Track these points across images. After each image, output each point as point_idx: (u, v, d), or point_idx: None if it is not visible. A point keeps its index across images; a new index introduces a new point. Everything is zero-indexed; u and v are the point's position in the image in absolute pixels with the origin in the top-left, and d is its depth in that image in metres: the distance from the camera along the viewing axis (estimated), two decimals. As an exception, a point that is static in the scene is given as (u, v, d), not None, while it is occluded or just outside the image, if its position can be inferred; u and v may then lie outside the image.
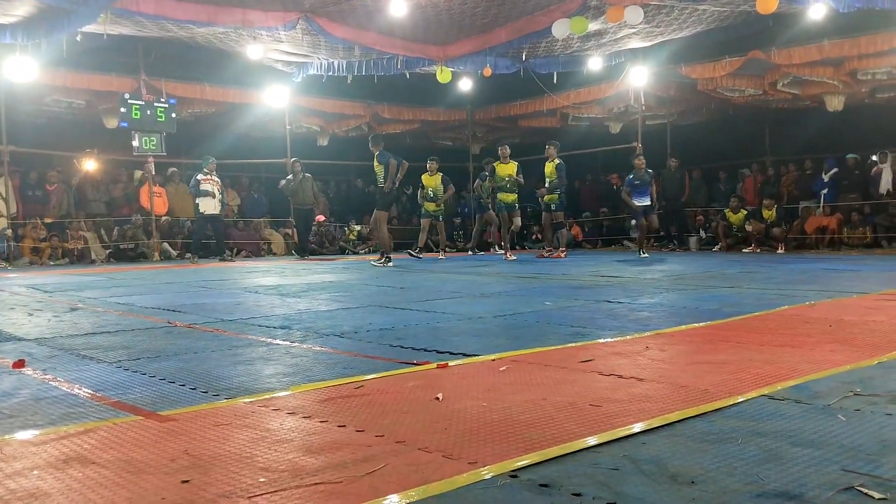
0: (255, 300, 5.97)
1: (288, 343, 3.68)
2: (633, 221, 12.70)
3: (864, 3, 9.81)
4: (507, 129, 17.66)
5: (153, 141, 13.31)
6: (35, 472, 1.77)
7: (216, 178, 12.75)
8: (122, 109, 12.83)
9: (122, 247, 13.62)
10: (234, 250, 14.17)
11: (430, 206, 12.55)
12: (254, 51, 12.66)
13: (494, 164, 12.01)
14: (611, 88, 14.38)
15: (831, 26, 11.17)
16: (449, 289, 6.66)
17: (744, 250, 13.01)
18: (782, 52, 11.75)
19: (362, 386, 2.65)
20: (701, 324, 4.08)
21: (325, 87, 14.92)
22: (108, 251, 13.46)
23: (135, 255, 13.61)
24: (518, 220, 12.04)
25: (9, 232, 12.31)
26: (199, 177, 12.50)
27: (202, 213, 12.60)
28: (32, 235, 12.71)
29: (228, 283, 7.85)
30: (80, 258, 12.96)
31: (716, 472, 1.68)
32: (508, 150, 11.87)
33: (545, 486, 1.61)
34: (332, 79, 14.18)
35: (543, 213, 12.45)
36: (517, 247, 12.98)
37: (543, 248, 12.55)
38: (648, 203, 11.82)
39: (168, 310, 5.23)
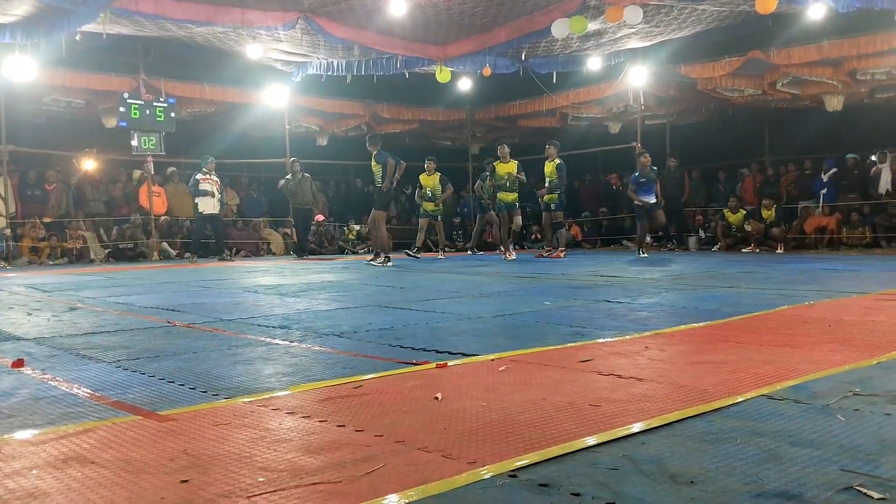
0: (255, 300, 5.97)
1: (287, 343, 3.68)
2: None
3: (864, 3, 9.82)
4: (507, 128, 17.66)
5: (152, 140, 13.31)
6: (34, 471, 1.77)
7: (215, 178, 12.74)
8: (122, 109, 12.83)
9: (121, 246, 13.61)
10: (234, 250, 14.17)
11: (429, 206, 12.55)
12: (253, 50, 12.66)
13: (494, 164, 12.02)
14: (610, 88, 14.38)
15: (830, 26, 11.18)
16: (448, 289, 6.67)
17: (743, 250, 13.01)
18: (782, 52, 11.76)
19: (361, 386, 2.65)
20: (700, 324, 4.08)
21: (325, 87, 14.92)
22: (107, 251, 13.46)
23: (134, 255, 13.61)
24: (518, 220, 12.03)
25: (8, 231, 12.30)
26: (199, 176, 12.49)
27: (201, 212, 12.60)
28: (31, 235, 12.70)
29: (227, 283, 7.84)
30: (79, 258, 12.96)
31: (715, 471, 1.68)
32: (507, 150, 11.87)
33: (544, 485, 1.61)
34: (331, 78, 14.18)
35: (543, 212, 12.44)
36: (516, 247, 12.95)
37: (543, 248, 12.54)
38: (654, 200, 11.78)
39: (167, 309, 5.23)
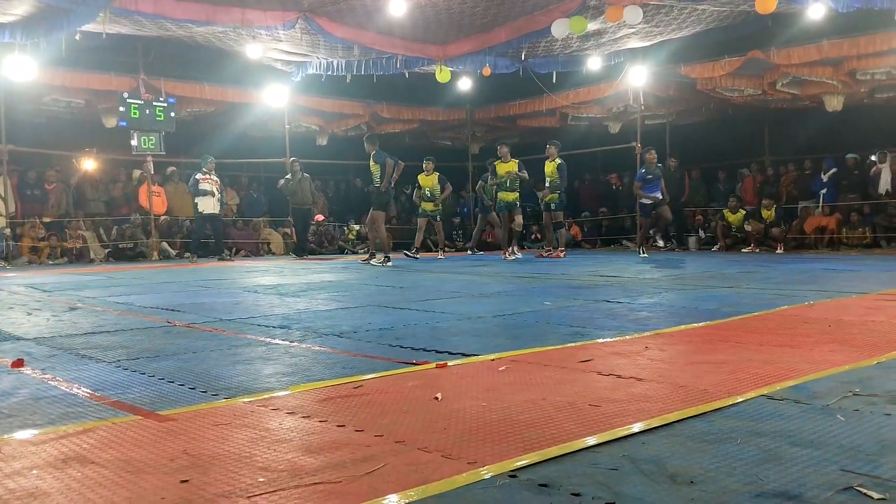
0: (254, 300, 5.97)
1: (287, 343, 3.68)
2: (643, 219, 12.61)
3: (863, 3, 9.82)
4: (507, 128, 17.66)
5: (152, 140, 13.30)
6: (34, 471, 1.77)
7: (215, 178, 12.74)
8: (121, 109, 12.83)
9: (120, 246, 13.61)
10: (233, 250, 14.17)
11: (428, 206, 12.54)
12: (253, 50, 12.66)
13: (495, 164, 12.00)
14: (610, 88, 14.38)
15: (830, 26, 11.18)
16: (448, 288, 6.67)
17: (743, 250, 13.01)
18: (781, 52, 11.76)
19: (361, 386, 2.65)
20: (700, 324, 4.08)
21: (325, 87, 14.92)
22: (106, 250, 13.45)
23: (134, 255, 13.60)
24: (519, 219, 11.98)
25: (7, 231, 12.30)
26: (198, 176, 12.49)
27: (201, 212, 12.60)
28: (31, 235, 12.70)
29: (227, 283, 7.84)
30: (79, 257, 12.95)
31: (715, 472, 1.68)
32: (506, 149, 11.84)
33: (544, 485, 1.61)
34: (331, 78, 14.18)
35: (543, 212, 12.43)
36: (521, 247, 12.96)
37: (543, 248, 12.54)
38: (660, 196, 11.75)
39: (167, 309, 5.23)
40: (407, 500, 1.54)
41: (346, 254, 15.27)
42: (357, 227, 16.29)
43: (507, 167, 11.69)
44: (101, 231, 13.79)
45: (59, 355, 3.43)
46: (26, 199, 13.27)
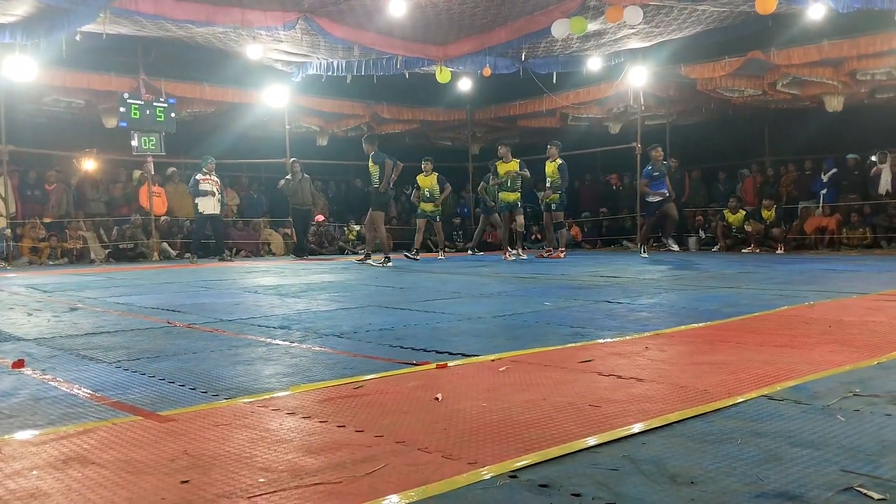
0: (255, 300, 5.97)
1: (287, 343, 3.68)
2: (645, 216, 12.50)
3: (864, 3, 9.82)
4: (507, 129, 17.66)
5: (152, 141, 13.31)
6: (34, 472, 1.77)
7: (215, 178, 12.75)
8: (122, 109, 12.83)
9: (121, 247, 13.62)
10: (234, 250, 14.17)
11: (428, 207, 12.51)
12: (253, 51, 12.66)
13: (496, 164, 11.99)
14: (610, 88, 14.39)
15: (830, 27, 11.18)
16: (448, 289, 6.67)
17: (743, 251, 13.01)
18: (782, 53, 11.76)
19: (362, 386, 2.65)
20: (700, 324, 4.08)
21: (325, 87, 14.93)
22: (107, 251, 13.46)
23: (134, 255, 13.61)
24: (521, 219, 11.93)
25: (8, 232, 12.30)
26: (198, 177, 12.50)
27: (201, 212, 12.60)
28: (31, 235, 12.70)
29: (228, 283, 7.84)
30: (80, 258, 12.96)
31: (715, 472, 1.68)
32: (505, 149, 11.81)
33: (545, 486, 1.61)
34: (331, 79, 14.18)
35: (544, 213, 12.42)
36: (524, 247, 12.94)
37: (543, 248, 12.53)
38: (667, 193, 11.63)
39: (167, 310, 5.23)
40: (407, 501, 1.54)
41: (347, 254, 15.26)
42: (357, 227, 16.30)
43: (509, 167, 11.68)
44: (102, 231, 13.79)
45: (59, 356, 3.43)
46: (27, 200, 13.28)
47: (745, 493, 1.55)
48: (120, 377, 2.92)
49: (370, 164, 10.62)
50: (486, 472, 1.69)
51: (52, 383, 2.82)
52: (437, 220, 12.85)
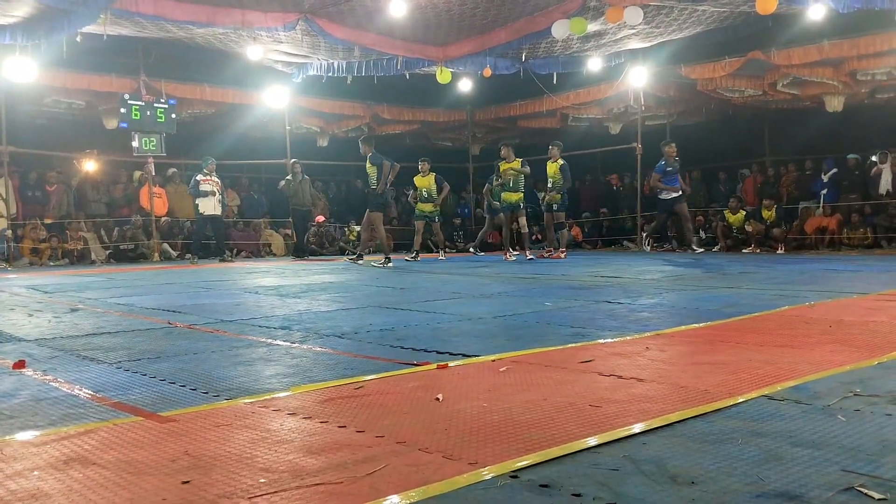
0: (255, 301, 5.97)
1: (288, 344, 3.68)
2: (645, 234, 12.38)
3: (864, 3, 9.82)
4: (507, 129, 17.66)
5: (153, 141, 13.31)
6: (35, 472, 1.77)
7: (216, 179, 12.75)
8: (122, 110, 12.83)
9: (121, 247, 13.62)
10: (234, 251, 14.18)
11: (426, 207, 12.45)
12: (253, 51, 12.67)
13: (499, 165, 11.96)
14: (610, 89, 14.39)
15: (831, 27, 11.18)
16: (449, 289, 6.67)
17: (743, 251, 13.00)
18: (782, 53, 11.76)
19: (363, 387, 2.65)
20: (701, 324, 4.08)
21: (325, 88, 14.93)
22: (107, 252, 13.46)
23: (135, 256, 13.62)
24: (523, 221, 11.85)
25: (8, 233, 12.30)
26: (199, 177, 12.51)
27: (202, 213, 12.61)
28: (32, 236, 12.70)
29: (228, 284, 7.85)
30: (80, 259, 12.96)
31: (716, 472, 1.68)
32: (506, 150, 11.75)
33: (545, 486, 1.61)
34: (331, 79, 14.19)
35: (545, 213, 12.41)
36: (516, 248, 12.93)
37: (543, 249, 12.52)
38: (680, 190, 11.40)
39: (168, 310, 5.23)
40: (408, 501, 1.54)
41: (347, 255, 15.26)
42: (358, 228, 16.28)
43: (510, 166, 11.65)
44: (102, 232, 13.80)
45: (60, 357, 3.43)
46: (27, 201, 13.28)
47: (745, 493, 1.55)
48: (121, 378, 2.92)
49: (367, 165, 10.66)
50: (487, 473, 1.69)
51: (53, 384, 2.82)
52: (436, 220, 12.78)
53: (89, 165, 14.52)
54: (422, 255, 12.44)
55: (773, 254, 12.30)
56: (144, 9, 10.60)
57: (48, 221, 13.18)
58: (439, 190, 12.49)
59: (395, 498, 1.55)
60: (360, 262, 11.01)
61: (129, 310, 5.39)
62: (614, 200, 16.91)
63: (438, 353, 3.30)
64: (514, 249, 12.06)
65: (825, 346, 3.31)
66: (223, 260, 12.73)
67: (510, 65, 14.03)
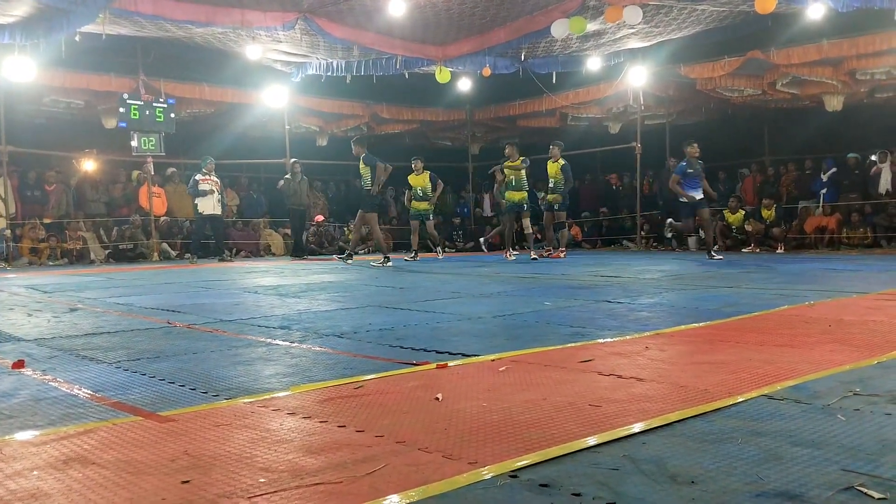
0: (255, 300, 5.97)
1: (287, 343, 3.68)
2: (669, 220, 12.01)
3: (863, 2, 9.82)
4: (507, 129, 17.67)
5: (152, 141, 13.30)
6: (35, 472, 1.77)
7: (215, 178, 12.75)
8: (121, 109, 12.82)
9: (121, 247, 13.61)
10: (234, 250, 14.17)
11: (421, 206, 12.40)
12: (252, 51, 12.66)
13: (503, 164, 11.93)
14: (610, 88, 14.39)
15: (830, 26, 11.19)
16: (448, 289, 6.67)
17: (743, 250, 13.01)
18: (781, 52, 11.76)
19: (362, 386, 2.65)
20: (700, 324, 4.08)
21: (324, 88, 14.92)
22: (107, 251, 13.46)
23: (134, 256, 13.61)
24: (527, 222, 11.81)
25: (7, 232, 12.30)
26: (198, 177, 12.50)
27: (201, 213, 12.61)
28: (31, 236, 12.70)
29: (227, 284, 7.84)
30: (79, 258, 12.96)
31: (716, 471, 1.68)
32: (510, 149, 11.71)
33: (545, 486, 1.61)
34: (330, 79, 14.18)
35: (545, 212, 12.40)
36: (517, 247, 12.97)
37: (544, 248, 12.52)
38: (700, 196, 10.49)
39: (167, 310, 5.23)
40: (408, 501, 1.54)
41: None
42: (359, 228, 16.28)
43: (513, 165, 11.62)
44: (102, 232, 13.79)
45: (59, 356, 3.43)
46: (26, 201, 13.27)
47: (745, 493, 1.55)
48: (120, 377, 2.92)
49: (361, 165, 10.72)
50: (487, 472, 1.69)
51: (53, 384, 2.82)
52: (430, 218, 12.67)
53: (88, 165, 14.51)
54: (421, 255, 12.43)
55: (772, 253, 12.30)
56: (143, 8, 10.59)
57: (47, 221, 13.17)
58: (434, 188, 12.45)
59: (394, 497, 1.55)
60: (350, 261, 11.08)
61: (128, 309, 5.38)
62: (614, 200, 16.92)
63: (438, 352, 3.29)
64: (514, 249, 12.04)
65: (825, 345, 3.31)
66: (222, 259, 12.73)
67: (509, 64, 14.03)
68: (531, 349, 3.33)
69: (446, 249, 14.55)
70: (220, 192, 12.83)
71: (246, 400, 2.48)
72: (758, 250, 12.86)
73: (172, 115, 13.42)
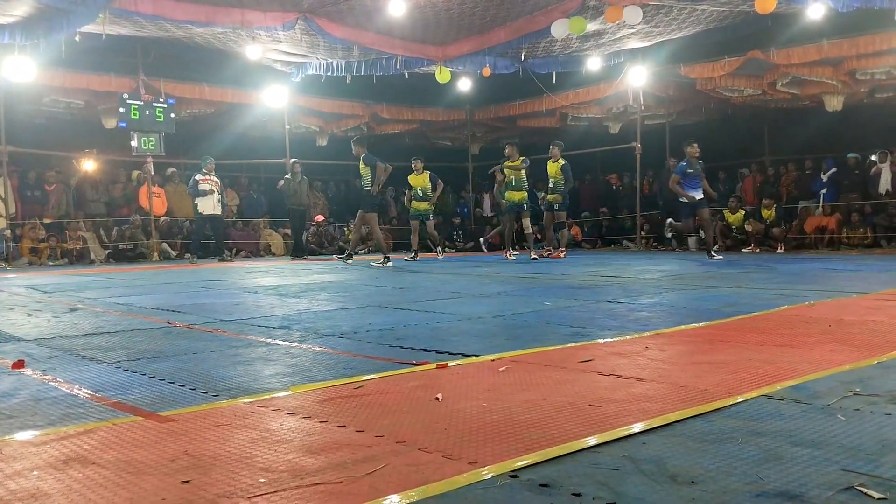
0: (255, 300, 5.97)
1: (287, 343, 3.68)
2: (669, 220, 11.97)
3: (863, 2, 9.82)
4: (507, 129, 17.67)
5: (152, 141, 13.30)
6: (35, 472, 1.77)
7: (215, 178, 12.75)
8: (121, 109, 12.82)
9: (121, 247, 13.61)
10: (234, 250, 14.17)
11: (421, 205, 12.40)
12: (252, 51, 12.66)
13: (503, 164, 11.93)
14: (610, 88, 14.39)
15: (830, 26, 11.19)
16: (448, 289, 6.66)
17: (743, 250, 13.01)
18: (781, 52, 11.76)
19: (362, 386, 2.65)
20: (700, 324, 4.08)
21: (324, 88, 14.92)
22: (107, 251, 13.46)
23: (134, 256, 13.61)
24: (527, 222, 11.81)
25: (8, 232, 12.30)
26: (198, 177, 12.50)
27: (201, 213, 12.60)
28: (31, 236, 12.70)
29: (227, 284, 7.84)
30: (79, 258, 12.96)
31: (716, 471, 1.68)
32: (511, 149, 11.71)
33: (545, 486, 1.61)
34: (330, 79, 14.18)
35: (545, 212, 12.40)
36: (517, 247, 12.96)
37: (544, 248, 12.52)
38: (700, 196, 10.49)
39: (167, 310, 5.23)
40: (408, 501, 1.54)
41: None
42: (360, 228, 16.28)
43: (513, 165, 11.62)
44: (102, 232, 13.79)
45: (59, 356, 3.43)
46: (26, 201, 13.27)
47: (745, 493, 1.55)
48: (120, 377, 2.92)
49: (361, 165, 10.73)
50: (487, 472, 1.69)
51: (53, 384, 2.82)
52: (430, 218, 12.64)
53: (88, 165, 14.51)
54: (421, 255, 12.43)
55: (772, 253, 12.30)
56: (143, 8, 10.59)
57: (47, 221, 13.17)
58: (434, 188, 12.45)
59: (394, 497, 1.55)
60: (350, 261, 11.10)
61: (128, 309, 5.38)
62: (614, 200, 16.92)
63: (438, 352, 3.29)
64: (514, 249, 12.04)
65: (825, 345, 3.31)
66: (222, 259, 12.73)
67: (509, 64, 14.03)
68: (531, 349, 3.33)
69: (446, 249, 14.54)
70: (220, 192, 12.83)
71: (246, 400, 2.48)
72: (758, 250, 12.86)
73: (172, 115, 13.42)
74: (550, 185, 11.98)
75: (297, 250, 14.02)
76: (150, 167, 13.64)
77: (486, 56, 13.56)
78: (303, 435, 2.05)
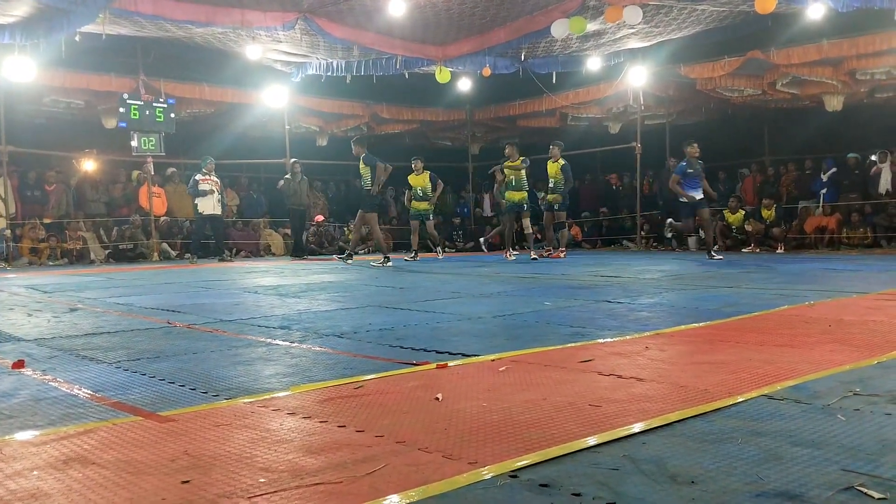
0: (255, 300, 5.97)
1: (287, 343, 3.68)
2: (669, 220, 11.84)
3: (863, 2, 9.82)
4: (507, 129, 17.67)
5: (152, 141, 13.30)
6: (35, 472, 1.77)
7: (215, 178, 12.75)
8: (121, 109, 12.82)
9: (121, 247, 13.62)
10: (234, 250, 14.17)
11: (421, 205, 12.39)
12: (252, 51, 12.66)
13: (503, 164, 11.92)
14: (610, 88, 14.39)
15: (830, 26, 11.19)
16: (448, 289, 6.66)
17: (743, 250, 13.01)
18: (781, 52, 11.76)
19: (362, 386, 2.65)
20: (700, 324, 4.08)
21: (324, 88, 14.92)
22: (107, 251, 13.46)
23: (134, 256, 13.61)
24: (527, 222, 11.81)
25: (8, 232, 12.30)
26: (198, 177, 12.51)
27: (201, 213, 12.61)
28: (31, 236, 12.70)
29: (227, 284, 7.84)
30: (79, 258, 12.96)
31: (716, 471, 1.68)
32: (511, 149, 11.70)
33: (545, 486, 1.61)
34: (330, 79, 14.18)
35: (545, 212, 12.40)
36: (517, 247, 12.94)
37: (544, 248, 12.52)
38: (700, 196, 10.49)
39: (167, 310, 5.23)
40: (408, 501, 1.54)
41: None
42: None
43: (513, 165, 11.61)
44: (102, 232, 13.79)
45: (59, 356, 3.43)
46: (26, 201, 13.27)
47: (745, 493, 1.55)
48: (120, 377, 2.92)
49: (361, 165, 10.74)
50: (487, 472, 1.69)
51: (53, 384, 2.82)
52: (430, 218, 12.61)
53: (88, 165, 14.51)
54: (421, 255, 12.43)
55: (772, 253, 12.30)
56: (143, 8, 10.60)
57: (47, 221, 13.17)
58: (434, 188, 12.45)
59: (394, 497, 1.55)
60: (350, 261, 11.12)
61: (128, 309, 5.38)
62: (614, 200, 16.91)
63: (438, 352, 3.29)
64: (514, 249, 12.04)
65: (825, 345, 3.31)
66: (222, 259, 12.73)
67: (509, 64, 14.03)
68: (531, 349, 3.33)
69: (446, 249, 14.54)
70: (220, 192, 12.83)
71: (246, 400, 2.48)
72: (758, 250, 12.86)
73: (172, 115, 13.42)
74: (550, 185, 11.97)
75: (297, 250, 14.02)
76: (150, 167, 13.64)
77: (486, 56, 13.56)
78: (303, 435, 2.05)
